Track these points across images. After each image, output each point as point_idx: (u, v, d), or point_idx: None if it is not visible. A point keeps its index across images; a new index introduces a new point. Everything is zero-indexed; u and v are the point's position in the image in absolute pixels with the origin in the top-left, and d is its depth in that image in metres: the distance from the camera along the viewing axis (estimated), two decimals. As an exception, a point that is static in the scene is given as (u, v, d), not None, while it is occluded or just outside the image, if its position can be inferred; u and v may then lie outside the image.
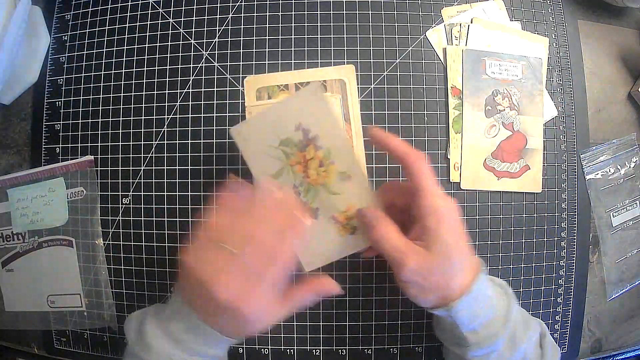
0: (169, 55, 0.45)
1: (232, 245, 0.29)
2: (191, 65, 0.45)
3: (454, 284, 0.32)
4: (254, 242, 0.29)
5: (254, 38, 0.44)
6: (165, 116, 0.44)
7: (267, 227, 0.30)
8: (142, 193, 0.44)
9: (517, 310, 0.35)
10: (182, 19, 0.45)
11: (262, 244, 0.29)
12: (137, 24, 0.45)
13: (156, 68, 0.45)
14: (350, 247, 0.36)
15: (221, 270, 0.29)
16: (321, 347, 0.43)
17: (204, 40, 0.45)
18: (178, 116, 0.44)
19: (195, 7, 0.45)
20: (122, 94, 0.45)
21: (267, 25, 0.45)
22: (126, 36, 0.45)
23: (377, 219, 0.33)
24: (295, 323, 0.43)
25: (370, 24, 0.45)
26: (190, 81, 0.44)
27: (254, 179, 0.35)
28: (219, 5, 0.45)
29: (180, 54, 0.45)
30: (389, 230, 0.33)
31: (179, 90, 0.44)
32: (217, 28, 0.45)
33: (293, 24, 0.45)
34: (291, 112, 0.34)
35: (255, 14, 0.45)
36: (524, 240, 0.44)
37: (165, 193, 0.44)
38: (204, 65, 0.44)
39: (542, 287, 0.44)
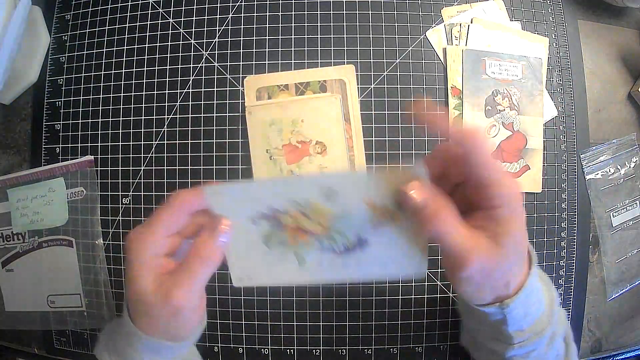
0: (169, 55, 0.45)
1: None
2: (191, 65, 0.45)
3: (514, 282, 0.28)
4: None
5: (254, 38, 0.44)
6: (165, 116, 0.44)
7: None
8: (142, 193, 0.44)
9: (559, 304, 0.32)
10: (182, 19, 0.45)
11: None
12: (137, 24, 0.45)
13: (156, 68, 0.45)
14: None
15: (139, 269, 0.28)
16: (321, 347, 0.43)
17: (204, 40, 0.45)
18: (178, 116, 0.44)
19: (195, 7, 0.45)
20: (122, 94, 0.45)
21: (267, 25, 0.45)
22: (126, 36, 0.45)
23: (436, 203, 0.26)
24: (295, 323, 0.43)
25: (370, 24, 0.45)
26: (190, 81, 0.44)
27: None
28: (219, 5, 0.45)
29: (180, 54, 0.45)
30: (450, 217, 0.26)
31: (179, 90, 0.44)
32: (217, 28, 0.45)
33: (293, 24, 0.45)
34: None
35: (255, 14, 0.45)
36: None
37: (165, 193, 0.44)
38: (204, 65, 0.44)
39: (542, 287, 0.44)
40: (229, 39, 0.45)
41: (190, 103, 0.44)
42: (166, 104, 0.44)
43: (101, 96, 0.45)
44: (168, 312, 0.27)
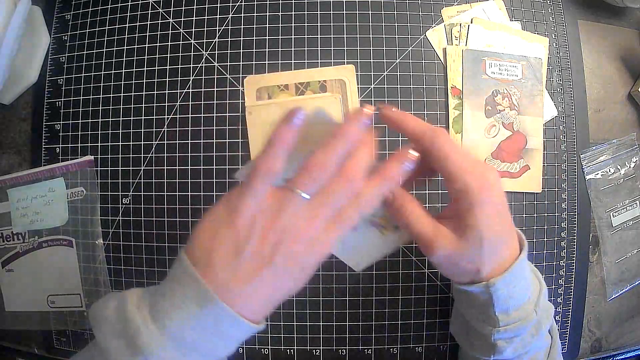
0: (169, 55, 0.45)
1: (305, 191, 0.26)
2: (191, 65, 0.44)
3: (486, 268, 0.29)
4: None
5: (254, 38, 0.44)
6: (165, 116, 0.44)
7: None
8: (142, 193, 0.44)
9: (546, 296, 0.33)
10: (182, 19, 0.45)
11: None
12: (137, 24, 0.45)
13: (156, 68, 0.45)
14: (394, 243, 0.35)
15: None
16: (321, 347, 0.43)
17: (204, 40, 0.45)
18: (178, 116, 0.44)
19: (195, 7, 0.45)
20: (122, 94, 0.45)
21: (267, 25, 0.45)
22: (126, 36, 0.45)
23: (401, 197, 0.30)
24: (295, 323, 0.43)
25: (370, 24, 0.45)
26: (190, 81, 0.44)
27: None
28: (219, 5, 0.45)
29: (180, 54, 0.45)
30: (414, 208, 0.30)
31: (179, 90, 0.44)
32: (217, 28, 0.45)
33: (293, 24, 0.45)
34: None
35: (255, 14, 0.45)
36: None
37: (165, 193, 0.44)
38: (204, 65, 0.44)
39: (542, 287, 0.44)
40: (229, 39, 0.45)
41: (190, 103, 0.44)
42: (166, 104, 0.44)
43: (101, 96, 0.45)
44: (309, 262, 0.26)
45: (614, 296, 0.46)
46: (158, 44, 0.45)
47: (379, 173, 0.28)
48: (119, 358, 0.24)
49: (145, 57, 0.45)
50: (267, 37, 0.44)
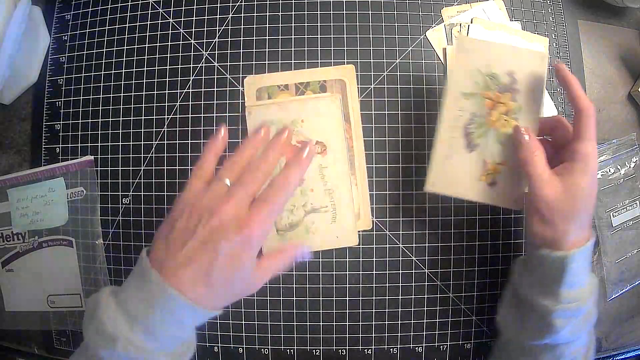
0: (169, 55, 0.45)
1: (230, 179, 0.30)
2: (191, 65, 0.45)
3: (572, 231, 0.33)
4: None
5: (254, 38, 0.44)
6: (165, 116, 0.44)
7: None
8: (142, 193, 0.44)
9: (597, 293, 0.36)
10: (182, 19, 0.45)
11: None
12: (137, 24, 0.45)
13: (156, 68, 0.45)
14: (481, 195, 0.38)
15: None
16: (321, 347, 0.43)
17: (204, 40, 0.45)
18: (178, 116, 0.44)
19: (195, 7, 0.45)
20: (122, 94, 0.45)
21: (267, 25, 0.45)
22: (126, 36, 0.45)
23: (531, 139, 0.34)
24: (295, 323, 0.43)
25: (370, 24, 0.45)
26: (190, 81, 0.44)
27: (447, 91, 0.38)
28: (219, 5, 0.45)
29: (180, 54, 0.45)
30: (538, 154, 0.34)
31: (179, 90, 0.44)
32: (217, 28, 0.45)
33: (293, 24, 0.45)
34: (512, 58, 0.37)
35: (255, 14, 0.45)
36: (523, 240, 0.44)
37: (165, 193, 0.44)
38: (204, 65, 0.44)
39: (542, 287, 0.44)
40: (229, 39, 0.45)
41: (190, 103, 0.44)
42: (166, 104, 0.44)
43: (101, 96, 0.45)
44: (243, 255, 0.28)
45: (614, 296, 0.46)
46: (158, 44, 0.45)
47: (289, 160, 0.31)
48: (84, 327, 0.28)
49: (145, 57, 0.45)
50: (267, 37, 0.44)
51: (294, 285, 0.43)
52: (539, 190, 0.33)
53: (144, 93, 0.45)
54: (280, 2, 0.45)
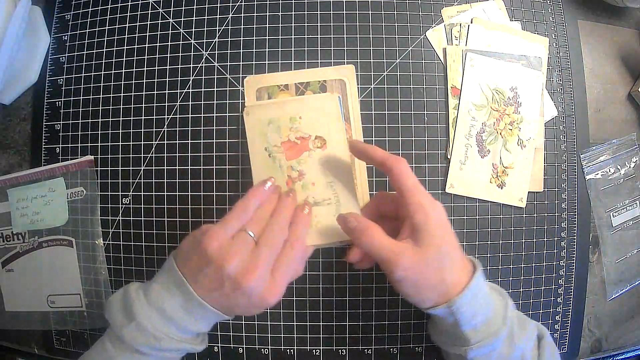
0: (169, 55, 0.45)
1: (253, 232, 0.33)
2: (191, 65, 0.45)
3: (449, 278, 0.32)
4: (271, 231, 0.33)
5: (254, 38, 0.44)
6: (165, 116, 0.44)
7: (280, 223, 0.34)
8: (142, 193, 0.44)
9: (513, 309, 0.35)
10: (182, 19, 0.45)
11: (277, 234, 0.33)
12: (137, 24, 0.45)
13: (156, 68, 0.45)
14: (493, 196, 0.42)
15: (236, 252, 0.31)
16: (321, 347, 0.43)
17: (204, 40, 0.45)
18: (178, 116, 0.44)
19: (195, 7, 0.45)
20: (122, 94, 0.45)
21: (267, 25, 0.45)
22: (126, 36, 0.45)
23: (363, 223, 0.33)
24: (295, 323, 0.43)
25: (370, 24, 0.45)
26: (190, 81, 0.44)
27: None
28: (219, 5, 0.45)
29: (180, 54, 0.45)
30: (376, 233, 0.33)
31: (179, 90, 0.44)
32: (217, 28, 0.45)
33: (293, 24, 0.45)
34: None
35: (255, 14, 0.45)
36: (524, 240, 0.44)
37: (165, 193, 0.44)
38: (204, 65, 0.44)
39: (542, 287, 0.44)
40: (229, 39, 0.45)
41: (190, 103, 0.44)
42: (166, 104, 0.44)
43: (101, 96, 0.45)
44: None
45: (613, 296, 0.46)
46: (158, 44, 0.45)
47: (295, 219, 0.35)
48: (119, 324, 0.31)
49: (145, 57, 0.45)
50: (267, 37, 0.44)
51: (294, 285, 0.43)
52: (395, 265, 0.31)
53: (144, 93, 0.45)
54: (280, 2, 0.45)
